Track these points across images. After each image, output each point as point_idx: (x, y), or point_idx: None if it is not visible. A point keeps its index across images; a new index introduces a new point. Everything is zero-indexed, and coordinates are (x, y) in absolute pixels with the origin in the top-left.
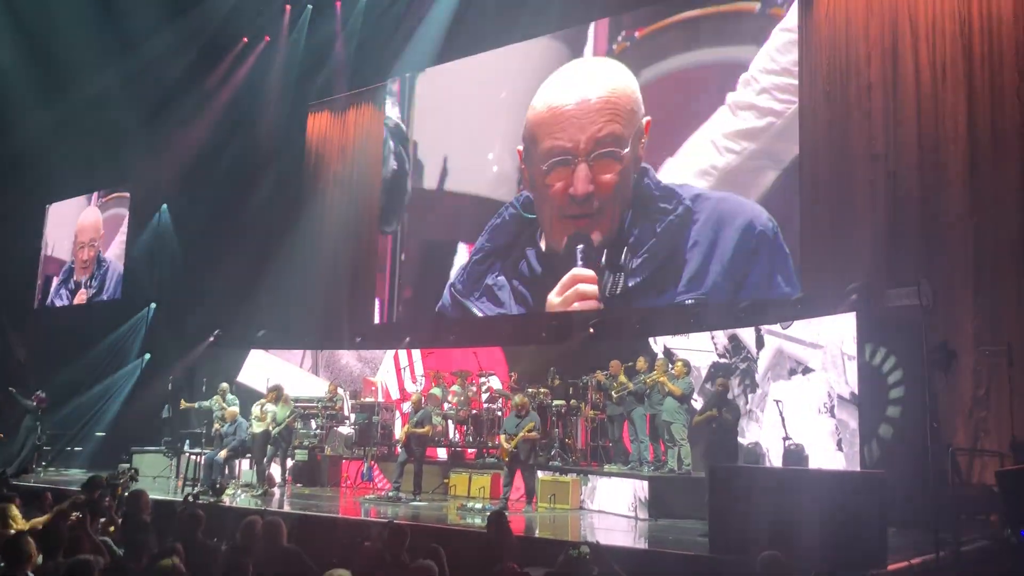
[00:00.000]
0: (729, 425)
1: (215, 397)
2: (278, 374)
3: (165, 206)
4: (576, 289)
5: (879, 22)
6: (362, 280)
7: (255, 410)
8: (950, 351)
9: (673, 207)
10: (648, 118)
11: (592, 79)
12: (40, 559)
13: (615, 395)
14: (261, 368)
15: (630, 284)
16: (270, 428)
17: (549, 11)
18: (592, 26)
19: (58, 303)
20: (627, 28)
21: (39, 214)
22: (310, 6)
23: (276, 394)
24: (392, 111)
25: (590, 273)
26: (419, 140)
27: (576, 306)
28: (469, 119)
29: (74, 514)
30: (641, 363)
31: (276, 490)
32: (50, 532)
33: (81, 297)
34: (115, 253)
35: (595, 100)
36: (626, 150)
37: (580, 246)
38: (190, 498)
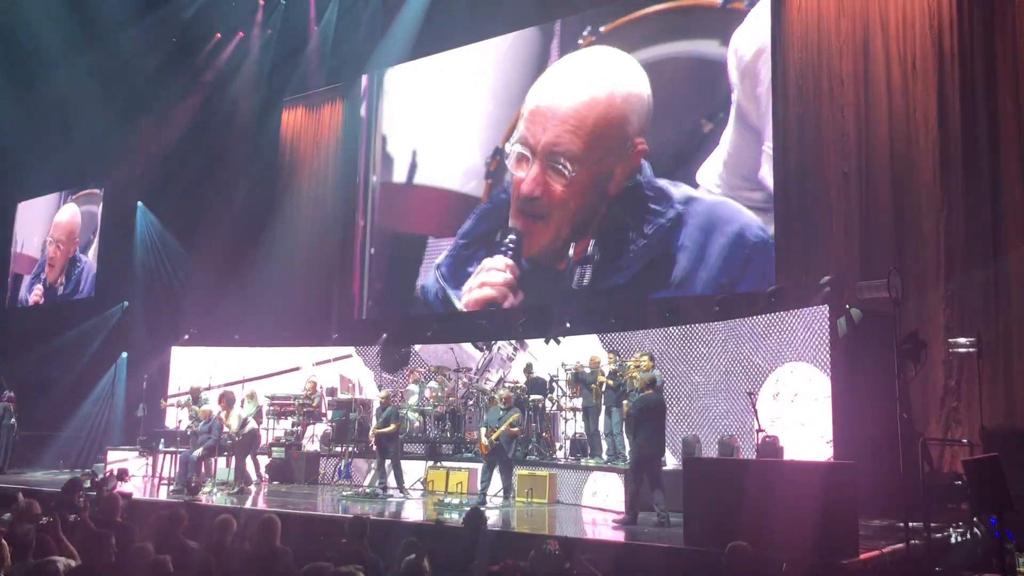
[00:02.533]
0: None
1: (187, 398)
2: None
3: (141, 204)
4: (482, 277)
5: (850, 17)
6: (339, 276)
7: (232, 418)
8: (920, 342)
9: (664, 209)
10: (640, 143)
11: (589, 78)
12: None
13: (601, 388)
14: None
15: (619, 281)
16: (253, 427)
17: (516, 9)
18: (558, 23)
19: (30, 301)
20: (592, 24)
21: (8, 212)
22: (283, 1)
23: (226, 401)
24: (363, 107)
25: (501, 263)
26: (388, 134)
27: (481, 293)
28: (437, 114)
29: (45, 517)
30: (592, 359)
31: (252, 488)
32: (19, 534)
33: (53, 295)
34: (88, 250)
35: (571, 104)
36: (576, 169)
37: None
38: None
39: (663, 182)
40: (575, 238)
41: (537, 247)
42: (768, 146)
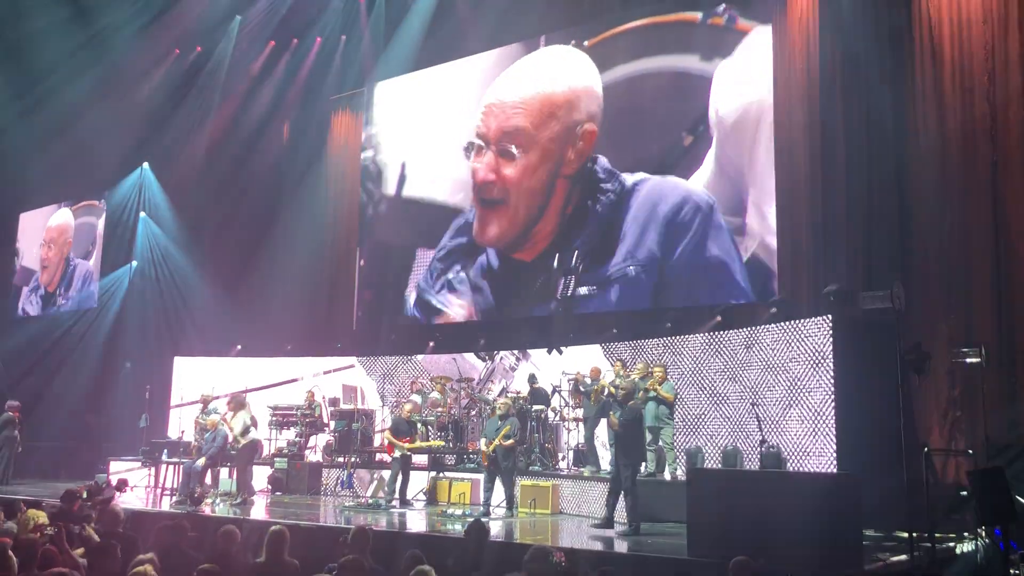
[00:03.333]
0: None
1: (201, 415)
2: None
3: (144, 215)
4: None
5: (849, 28)
6: (340, 287)
7: (237, 421)
8: (924, 352)
9: (614, 187)
10: (589, 126)
11: (537, 72)
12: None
13: (603, 394)
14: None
15: (571, 261)
16: (254, 437)
17: (502, 25)
18: (543, 37)
19: (29, 311)
20: (576, 39)
21: (11, 223)
22: (284, 11)
23: (236, 403)
24: (357, 119)
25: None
26: (378, 146)
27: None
28: (425, 127)
29: (49, 527)
30: (593, 370)
31: (255, 498)
32: (24, 545)
33: (51, 301)
34: (88, 261)
35: (520, 94)
36: (526, 151)
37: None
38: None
39: (623, 174)
40: (533, 222)
41: (496, 233)
42: (753, 196)
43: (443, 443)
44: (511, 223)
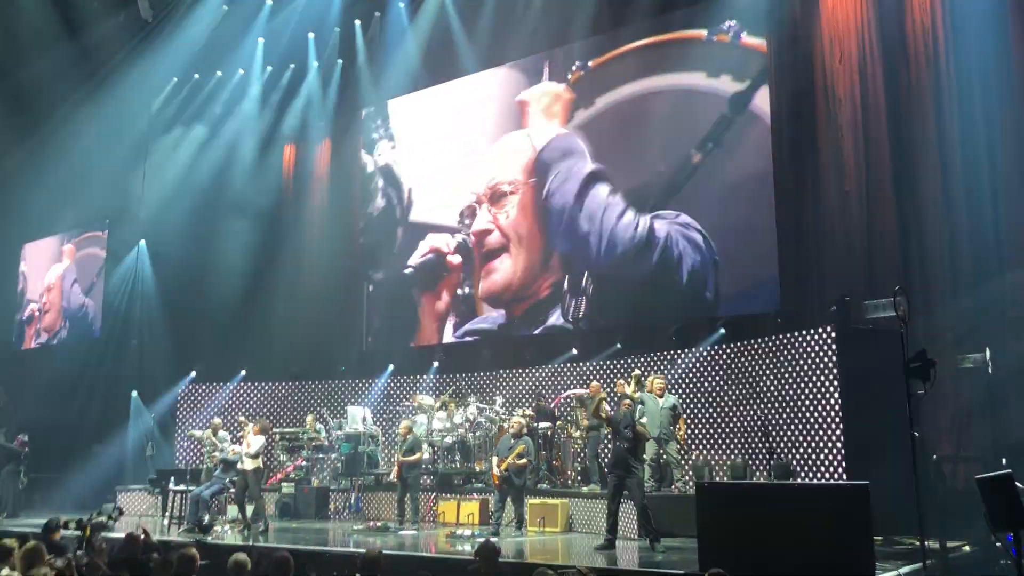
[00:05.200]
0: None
1: (207, 432)
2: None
3: (143, 242)
4: None
5: (845, 38)
6: (345, 311)
7: (256, 441)
8: (929, 360)
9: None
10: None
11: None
12: None
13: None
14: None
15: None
16: (260, 464)
17: (506, 43)
18: (547, 60)
19: (33, 344)
20: (581, 58)
21: (14, 254)
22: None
23: (263, 428)
24: (367, 141)
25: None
26: (384, 170)
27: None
28: (430, 149)
29: (59, 560)
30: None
31: (261, 524)
32: None
33: (56, 337)
34: (90, 293)
35: (497, 157)
36: (515, 187)
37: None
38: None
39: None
40: (537, 273)
41: (501, 284)
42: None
43: (415, 457)
44: (513, 264)
